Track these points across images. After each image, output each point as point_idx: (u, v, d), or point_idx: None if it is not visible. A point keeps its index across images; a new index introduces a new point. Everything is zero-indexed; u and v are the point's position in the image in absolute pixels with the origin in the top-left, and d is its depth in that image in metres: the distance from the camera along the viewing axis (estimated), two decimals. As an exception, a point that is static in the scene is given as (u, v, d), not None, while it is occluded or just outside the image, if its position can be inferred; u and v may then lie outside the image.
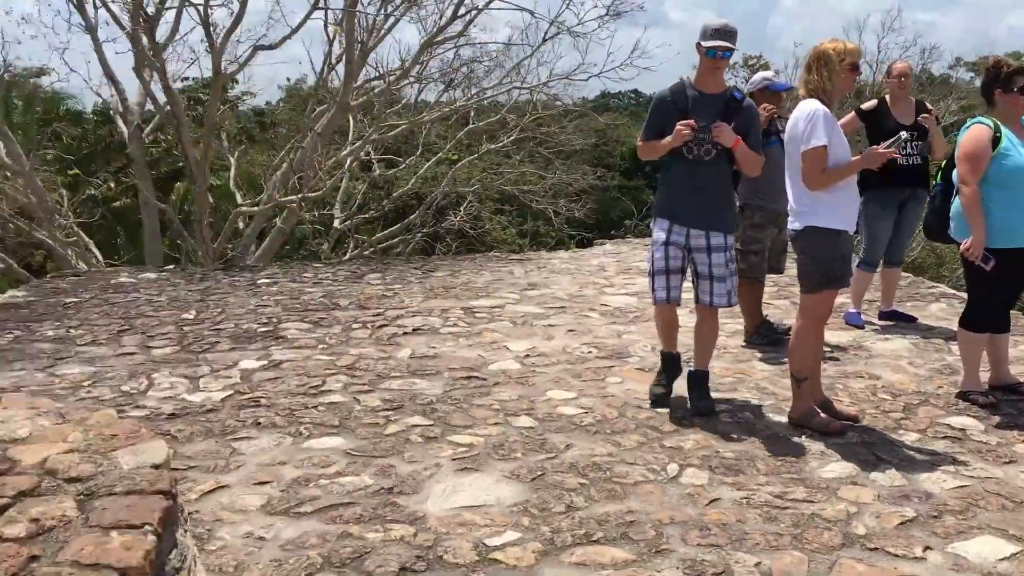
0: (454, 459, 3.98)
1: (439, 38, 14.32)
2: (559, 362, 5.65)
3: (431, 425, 4.43)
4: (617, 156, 25.69)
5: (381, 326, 6.65)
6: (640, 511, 3.46)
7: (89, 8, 13.74)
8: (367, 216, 17.62)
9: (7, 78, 16.80)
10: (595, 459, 4.00)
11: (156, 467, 1.86)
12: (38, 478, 1.82)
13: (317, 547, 3.14)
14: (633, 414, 4.64)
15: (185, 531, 1.82)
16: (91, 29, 13.88)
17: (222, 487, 3.67)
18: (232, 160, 15.98)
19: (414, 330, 6.53)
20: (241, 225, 14.83)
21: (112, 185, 19.97)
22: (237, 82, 17.26)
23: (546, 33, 15.10)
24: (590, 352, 5.89)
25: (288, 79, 24.62)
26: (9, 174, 13.91)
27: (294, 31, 13.32)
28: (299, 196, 13.03)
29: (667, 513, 3.45)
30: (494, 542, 3.17)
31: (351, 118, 15.45)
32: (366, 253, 16.74)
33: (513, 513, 3.42)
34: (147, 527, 1.58)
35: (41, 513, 1.64)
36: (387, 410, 4.68)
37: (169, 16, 13.59)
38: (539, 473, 3.82)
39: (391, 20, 13.73)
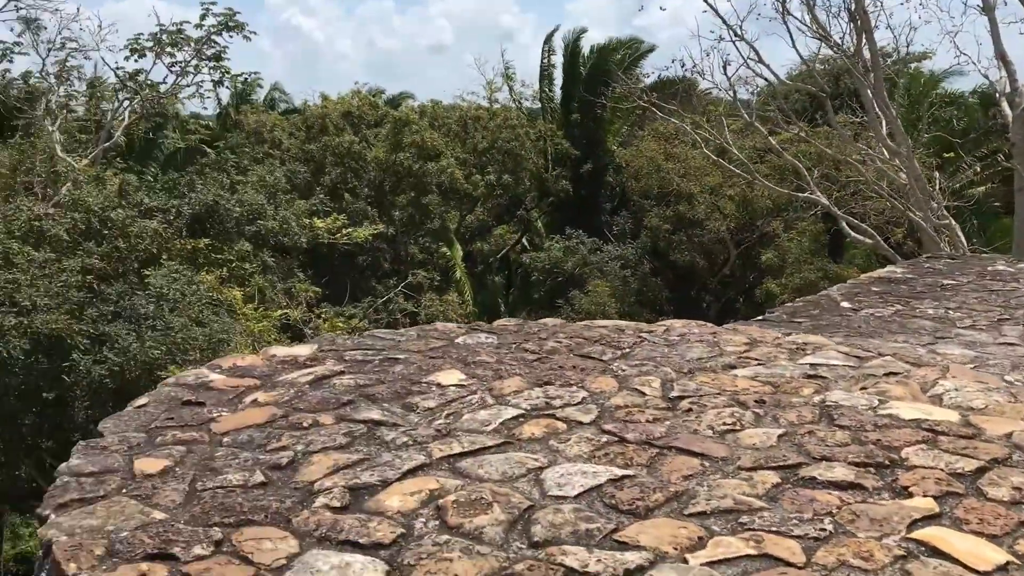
0: None
1: None
2: None
3: None
4: None
5: None
6: None
7: (991, -11, 13.62)
8: None
9: (893, 64, 17.73)
10: None
11: None
12: (1008, 449, 1.95)
13: None
14: None
15: None
16: (988, 9, 13.74)
17: None
18: None
19: None
20: None
21: (978, 170, 19.56)
22: None
23: None
24: None
25: None
26: (888, 153, 14.74)
27: None
28: None
29: None
30: None
31: None
32: None
33: None
34: None
35: (1021, 483, 1.77)
36: None
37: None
38: None
39: None
